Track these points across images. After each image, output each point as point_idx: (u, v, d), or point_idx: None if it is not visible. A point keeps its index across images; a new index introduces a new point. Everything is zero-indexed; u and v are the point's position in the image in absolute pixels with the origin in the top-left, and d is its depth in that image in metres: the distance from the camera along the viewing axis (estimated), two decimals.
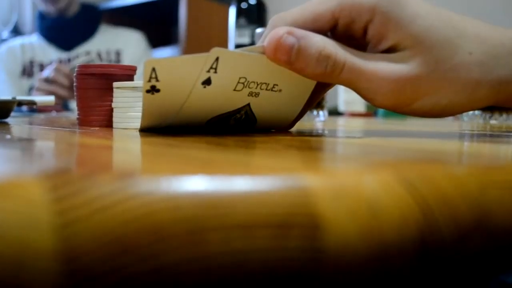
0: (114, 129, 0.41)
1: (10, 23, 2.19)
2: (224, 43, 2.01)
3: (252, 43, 1.09)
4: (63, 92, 1.35)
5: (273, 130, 0.39)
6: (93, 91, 0.44)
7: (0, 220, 0.13)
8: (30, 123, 0.55)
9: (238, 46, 1.11)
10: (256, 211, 0.14)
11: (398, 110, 0.33)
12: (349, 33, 0.33)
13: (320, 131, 0.43)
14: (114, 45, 1.78)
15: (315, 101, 0.38)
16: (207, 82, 0.30)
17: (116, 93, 0.42)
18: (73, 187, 0.14)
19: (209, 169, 0.17)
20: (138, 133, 0.35)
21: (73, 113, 0.96)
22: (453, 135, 0.40)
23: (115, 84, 0.42)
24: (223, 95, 0.32)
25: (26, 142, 0.29)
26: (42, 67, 1.73)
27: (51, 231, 0.13)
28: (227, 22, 1.99)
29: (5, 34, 2.16)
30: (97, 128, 0.42)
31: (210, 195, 0.14)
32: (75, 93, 0.46)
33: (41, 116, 0.81)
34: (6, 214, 0.13)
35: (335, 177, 0.16)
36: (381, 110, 0.99)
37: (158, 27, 2.51)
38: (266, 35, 0.33)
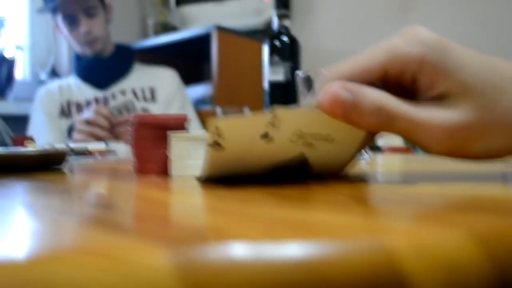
0: (172, 177, 0.43)
1: (48, 66, 2.26)
2: (256, 80, 2.04)
3: (287, 80, 1.11)
4: (102, 133, 1.39)
5: (322, 175, 0.40)
6: (149, 141, 0.47)
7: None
8: (89, 171, 0.58)
9: (272, 83, 1.14)
10: (349, 273, 0.16)
11: (453, 156, 0.34)
12: (398, 82, 0.34)
13: (371, 175, 0.44)
14: (148, 83, 1.83)
15: (365, 145, 0.39)
16: (266, 136, 0.32)
17: (172, 142, 0.44)
18: (191, 254, 0.15)
19: (299, 232, 0.18)
20: (196, 181, 0.37)
21: (116, 156, 0.99)
22: (504, 176, 0.41)
23: (172, 134, 0.44)
24: (280, 146, 0.34)
25: (113, 199, 0.31)
26: (79, 106, 1.79)
27: None
28: (259, 58, 2.02)
29: (43, 76, 2.23)
30: (158, 176, 0.44)
31: (308, 260, 0.16)
32: (131, 143, 0.48)
33: (89, 160, 0.84)
34: (132, 281, 0.15)
35: (415, 236, 0.18)
36: None
37: (190, 64, 2.56)
38: (320, 88, 0.35)
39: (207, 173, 0.35)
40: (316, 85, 0.36)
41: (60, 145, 0.67)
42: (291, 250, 0.16)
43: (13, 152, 0.54)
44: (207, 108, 2.02)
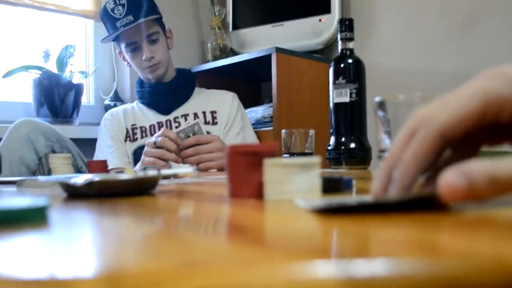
0: (267, 201, 0.46)
1: (111, 91, 2.35)
2: (317, 100, 2.07)
3: (351, 101, 1.13)
4: (170, 156, 1.45)
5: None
6: (243, 167, 0.50)
7: None
8: (181, 196, 0.62)
9: (337, 104, 1.16)
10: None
11: None
12: (495, 121, 0.36)
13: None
14: (209, 107, 1.88)
15: None
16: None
17: (267, 168, 0.47)
18: (354, 268, 0.18)
19: (428, 251, 0.21)
20: (293, 205, 0.40)
21: (186, 178, 1.03)
22: None
23: (267, 161, 0.47)
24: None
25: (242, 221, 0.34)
26: (143, 130, 1.86)
27: None
28: (319, 78, 2.04)
29: (107, 101, 2.32)
30: (254, 200, 0.47)
31: (459, 277, 0.19)
32: (227, 169, 0.52)
33: (168, 183, 0.88)
34: None
35: None
36: None
37: (250, 86, 2.60)
38: (419, 139, 0.36)
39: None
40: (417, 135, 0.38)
41: (152, 172, 0.71)
42: (439, 267, 0.19)
43: (115, 179, 0.58)
44: (267, 129, 2.06)
